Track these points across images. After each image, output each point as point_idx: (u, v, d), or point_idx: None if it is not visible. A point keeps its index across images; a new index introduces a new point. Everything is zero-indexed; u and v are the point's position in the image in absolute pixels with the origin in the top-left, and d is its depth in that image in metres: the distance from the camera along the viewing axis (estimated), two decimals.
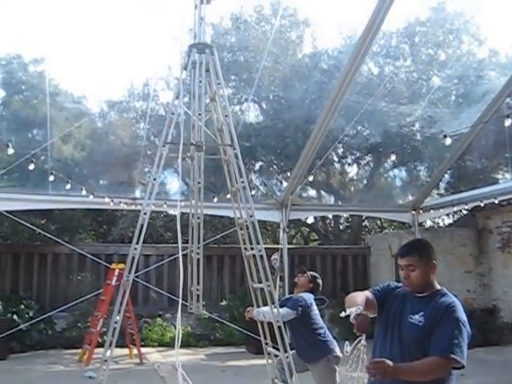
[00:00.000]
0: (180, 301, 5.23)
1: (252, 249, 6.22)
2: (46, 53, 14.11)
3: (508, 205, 13.13)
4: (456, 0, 14.84)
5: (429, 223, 19.09)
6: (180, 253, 5.08)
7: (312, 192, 19.31)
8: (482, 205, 12.85)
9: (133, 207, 12.11)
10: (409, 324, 3.60)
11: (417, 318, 3.57)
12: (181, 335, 12.40)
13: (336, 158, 17.79)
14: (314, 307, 6.52)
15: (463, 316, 3.52)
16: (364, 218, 19.80)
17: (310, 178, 12.73)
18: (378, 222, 21.62)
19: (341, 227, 21.05)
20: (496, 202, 12.29)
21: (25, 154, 10.36)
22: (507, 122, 9.58)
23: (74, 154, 14.58)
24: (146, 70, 15.15)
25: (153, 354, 12.77)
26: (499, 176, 16.75)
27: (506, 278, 13.33)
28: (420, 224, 14.17)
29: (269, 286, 6.02)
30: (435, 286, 3.72)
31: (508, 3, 10.77)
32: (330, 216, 19.03)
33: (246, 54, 15.05)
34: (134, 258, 6.03)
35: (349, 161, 18.29)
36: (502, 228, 13.98)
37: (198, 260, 6.48)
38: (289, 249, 13.61)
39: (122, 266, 10.71)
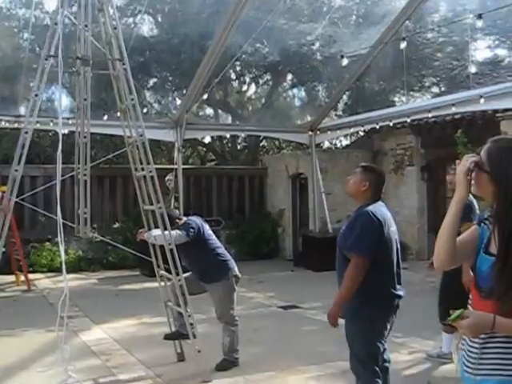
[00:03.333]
0: (59, 226, 4.91)
1: (143, 169, 5.88)
2: None
3: (403, 128, 13.26)
4: None
5: (327, 144, 19.20)
6: (58, 177, 4.69)
7: (209, 111, 18.94)
8: (377, 127, 12.99)
9: (16, 125, 11.16)
10: None
11: None
12: (70, 259, 11.93)
13: (234, 76, 17.39)
14: (207, 227, 6.26)
15: None
16: (262, 138, 19.61)
17: (205, 96, 12.32)
18: (276, 143, 21.42)
19: (238, 147, 20.76)
20: (391, 124, 12.42)
21: None
22: (402, 45, 9.71)
23: None
24: None
25: (42, 280, 12.16)
26: (396, 99, 16.97)
27: (397, 199, 13.57)
28: (318, 145, 14.14)
29: (160, 208, 5.71)
30: None
31: None
32: (228, 136, 18.64)
33: None
34: (15, 180, 5.66)
35: (247, 79, 17.95)
36: (396, 150, 14.16)
37: (86, 182, 6.13)
38: (184, 169, 13.30)
39: (4, 188, 9.99)
